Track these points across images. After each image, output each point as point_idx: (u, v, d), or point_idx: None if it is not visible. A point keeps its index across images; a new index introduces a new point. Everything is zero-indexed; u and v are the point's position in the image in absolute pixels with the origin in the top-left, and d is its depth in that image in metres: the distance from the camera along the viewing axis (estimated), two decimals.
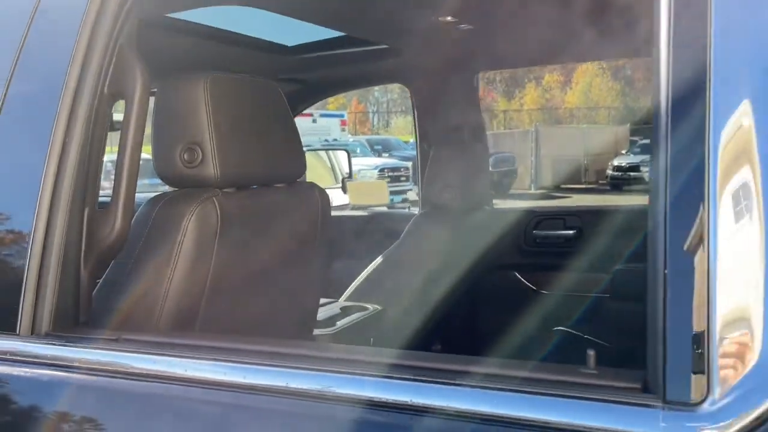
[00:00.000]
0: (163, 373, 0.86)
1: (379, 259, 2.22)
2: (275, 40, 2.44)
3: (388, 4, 1.73)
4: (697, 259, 0.58)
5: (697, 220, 0.59)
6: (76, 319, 1.04)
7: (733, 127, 0.59)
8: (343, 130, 18.81)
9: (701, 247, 0.58)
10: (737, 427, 0.54)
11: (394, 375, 0.72)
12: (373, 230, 2.95)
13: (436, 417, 0.67)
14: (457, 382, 0.68)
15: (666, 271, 0.59)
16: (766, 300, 0.55)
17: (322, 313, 1.97)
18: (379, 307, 2.04)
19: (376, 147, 16.84)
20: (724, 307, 0.56)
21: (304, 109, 3.11)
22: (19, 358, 0.95)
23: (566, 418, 0.61)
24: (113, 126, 1.22)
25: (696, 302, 0.57)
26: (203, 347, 0.91)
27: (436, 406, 0.67)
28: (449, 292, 2.09)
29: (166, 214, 1.23)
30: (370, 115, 30.62)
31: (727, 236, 0.58)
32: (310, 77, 2.67)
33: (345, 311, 2.01)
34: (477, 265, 2.19)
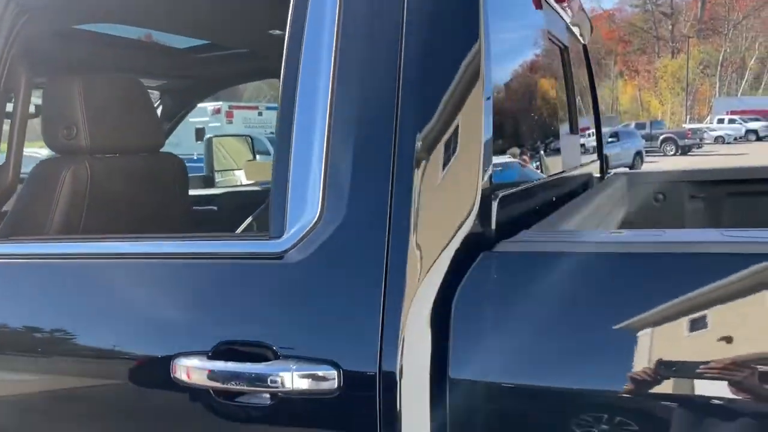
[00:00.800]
0: (37, 253, 1.40)
1: (248, 220, 2.77)
2: (169, 44, 2.94)
3: (229, 20, 2.25)
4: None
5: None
6: None
7: None
8: None
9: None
10: (292, 243, 1.11)
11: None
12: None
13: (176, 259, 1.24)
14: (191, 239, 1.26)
15: (274, 162, 1.16)
16: (316, 173, 1.12)
17: None
18: None
19: None
20: (293, 180, 1.13)
21: (204, 99, 3.63)
22: None
23: (225, 249, 1.19)
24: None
25: (281, 178, 1.14)
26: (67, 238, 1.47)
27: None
28: None
29: (50, 171, 1.78)
30: None
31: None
32: (203, 74, 3.19)
33: None
34: None
